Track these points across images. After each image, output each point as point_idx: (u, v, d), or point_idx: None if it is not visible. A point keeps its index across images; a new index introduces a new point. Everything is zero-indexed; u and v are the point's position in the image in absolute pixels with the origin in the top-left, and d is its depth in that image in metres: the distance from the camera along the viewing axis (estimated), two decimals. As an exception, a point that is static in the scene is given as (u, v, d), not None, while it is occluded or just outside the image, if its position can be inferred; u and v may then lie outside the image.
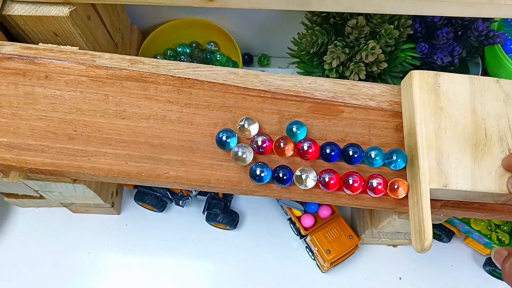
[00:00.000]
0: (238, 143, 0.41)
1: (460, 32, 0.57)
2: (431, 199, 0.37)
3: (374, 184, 0.39)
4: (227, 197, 0.64)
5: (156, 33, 0.71)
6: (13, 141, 0.41)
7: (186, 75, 0.44)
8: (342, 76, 0.55)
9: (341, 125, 0.43)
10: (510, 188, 0.37)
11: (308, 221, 0.61)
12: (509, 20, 0.63)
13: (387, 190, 0.40)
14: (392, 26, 0.53)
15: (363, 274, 0.63)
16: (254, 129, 0.41)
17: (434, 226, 0.59)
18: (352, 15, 0.52)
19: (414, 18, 0.56)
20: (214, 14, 0.70)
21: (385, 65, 0.54)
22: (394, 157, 0.39)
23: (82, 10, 0.49)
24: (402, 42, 0.55)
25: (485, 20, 0.55)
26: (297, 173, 0.40)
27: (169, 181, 0.41)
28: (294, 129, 0.41)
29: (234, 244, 0.65)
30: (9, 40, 0.49)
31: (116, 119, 0.42)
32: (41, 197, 0.58)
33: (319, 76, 0.57)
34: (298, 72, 0.60)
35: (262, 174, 0.39)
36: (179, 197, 0.63)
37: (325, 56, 0.54)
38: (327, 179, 0.39)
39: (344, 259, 0.61)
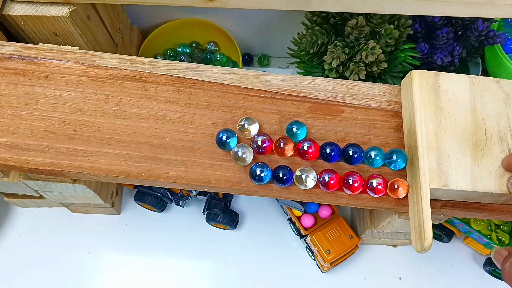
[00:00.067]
0: (238, 143, 0.41)
1: (460, 32, 0.57)
2: (431, 199, 0.37)
3: (374, 184, 0.39)
4: (227, 197, 0.64)
5: (156, 33, 0.71)
6: (13, 141, 0.41)
7: (186, 75, 0.44)
8: (342, 76, 0.55)
9: (341, 125, 0.43)
10: (510, 188, 0.37)
11: (308, 221, 0.61)
12: (509, 20, 0.63)
13: (387, 190, 0.40)
14: (392, 26, 0.53)
15: (363, 274, 0.63)
16: (254, 129, 0.41)
17: (434, 226, 0.59)
18: (352, 15, 0.52)
19: (414, 18, 0.56)
20: (214, 14, 0.70)
21: (385, 65, 0.54)
22: (394, 157, 0.39)
23: (82, 10, 0.49)
24: (402, 42, 0.55)
25: (485, 20, 0.55)
26: (297, 173, 0.40)
27: (169, 181, 0.41)
28: (294, 129, 0.41)
29: (234, 244, 0.65)
30: (9, 40, 0.49)
31: (116, 119, 0.42)
32: (41, 197, 0.58)
33: (319, 76, 0.57)
34: (298, 72, 0.60)
35: (262, 174, 0.39)
36: (179, 197, 0.63)
37: (325, 56, 0.54)
38: (327, 179, 0.39)
39: (344, 259, 0.61)
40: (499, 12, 0.44)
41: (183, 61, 0.73)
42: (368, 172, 0.41)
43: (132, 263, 0.63)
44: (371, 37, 0.54)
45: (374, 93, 0.45)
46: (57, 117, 0.42)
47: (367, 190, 0.40)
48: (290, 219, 0.65)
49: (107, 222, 0.66)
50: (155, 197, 0.64)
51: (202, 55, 0.74)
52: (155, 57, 0.73)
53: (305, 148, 0.40)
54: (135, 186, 0.65)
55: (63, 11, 0.47)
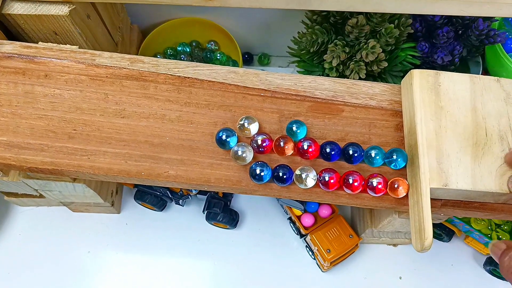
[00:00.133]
0: (238, 142, 0.41)
1: (460, 31, 0.57)
2: (431, 199, 0.37)
3: (374, 184, 0.39)
4: (227, 196, 0.64)
5: (156, 32, 0.71)
6: (12, 140, 0.41)
7: (185, 74, 0.44)
8: (342, 75, 0.55)
9: (341, 124, 0.43)
10: (511, 187, 0.37)
11: (308, 220, 0.61)
12: (510, 19, 0.62)
13: (387, 190, 0.40)
14: (392, 25, 0.52)
15: (363, 274, 0.63)
16: (254, 128, 0.41)
17: (434, 225, 0.59)
18: (352, 14, 0.52)
19: (414, 17, 0.56)
20: (214, 13, 0.69)
21: (385, 64, 0.54)
22: (394, 156, 0.39)
23: (81, 9, 0.49)
24: (402, 41, 0.55)
25: (485, 19, 0.55)
26: (297, 172, 0.40)
27: (169, 180, 0.41)
28: (294, 128, 0.41)
29: (234, 243, 0.64)
30: (9, 39, 0.49)
31: (116, 118, 0.42)
32: (41, 196, 0.58)
33: (319, 75, 0.57)
34: (298, 71, 0.60)
35: (262, 173, 0.39)
36: (179, 196, 0.63)
37: (325, 55, 0.54)
38: (327, 178, 0.39)
39: (344, 259, 0.61)
40: (500, 11, 0.44)
41: (183, 60, 0.72)
42: (368, 171, 0.41)
43: (132, 262, 0.63)
44: (371, 36, 0.54)
45: (374, 92, 0.45)
46: (56, 116, 0.42)
47: (367, 189, 0.40)
48: (290, 218, 0.65)
49: (107, 221, 0.66)
50: (155, 196, 0.64)
51: (202, 54, 0.74)
52: (155, 56, 0.73)
53: (305, 147, 0.40)
54: (135, 185, 0.65)
55: (62, 10, 0.46)
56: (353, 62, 0.53)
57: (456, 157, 0.38)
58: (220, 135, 0.40)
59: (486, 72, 0.62)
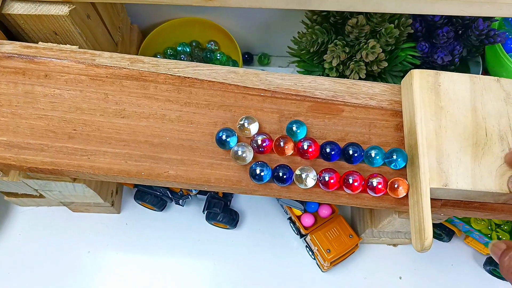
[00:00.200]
0: (238, 142, 0.41)
1: (460, 31, 0.57)
2: (431, 199, 0.37)
3: (374, 183, 0.39)
4: (227, 196, 0.64)
5: (156, 32, 0.71)
6: (12, 140, 0.41)
7: (185, 74, 0.44)
8: (342, 75, 0.55)
9: (341, 124, 0.43)
10: (511, 187, 0.37)
11: (308, 220, 0.61)
12: (510, 19, 0.62)
13: (387, 189, 0.40)
14: (392, 25, 0.52)
15: (363, 274, 0.63)
16: (254, 128, 0.41)
17: (434, 225, 0.59)
18: (352, 14, 0.52)
19: (414, 17, 0.56)
20: (214, 13, 0.69)
21: (385, 64, 0.54)
22: (394, 156, 0.39)
23: (81, 9, 0.49)
24: (402, 41, 0.55)
25: (485, 19, 0.55)
26: (297, 172, 0.40)
27: (169, 180, 0.41)
28: (294, 128, 0.41)
29: (234, 243, 0.64)
30: (9, 39, 0.49)
31: (116, 118, 0.42)
32: (41, 196, 0.58)
33: (319, 75, 0.57)
34: (298, 71, 0.60)
35: (262, 173, 0.39)
36: (179, 196, 0.63)
37: (325, 55, 0.54)
38: (327, 178, 0.39)
39: (344, 259, 0.61)
40: (500, 11, 0.44)
41: (183, 60, 0.72)
42: (368, 171, 0.41)
43: (132, 262, 0.63)
44: (372, 36, 0.54)
45: (374, 92, 0.45)
46: (56, 116, 0.42)
47: (367, 189, 0.40)
48: (290, 218, 0.65)
49: (107, 221, 0.66)
50: (155, 196, 0.64)
51: (202, 54, 0.74)
52: (155, 56, 0.73)
53: (305, 147, 0.40)
54: (135, 185, 0.65)
55: (62, 10, 0.46)
56: (353, 62, 0.53)
57: (456, 157, 0.38)
58: (220, 135, 0.40)
59: (486, 72, 0.62)
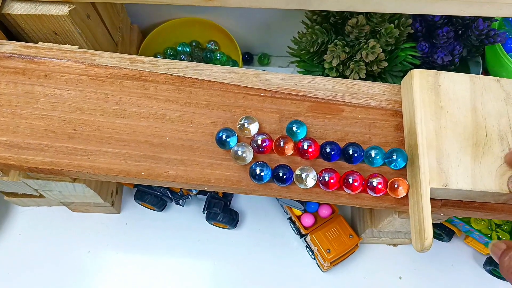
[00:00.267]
0: (238, 142, 0.41)
1: (460, 31, 0.57)
2: (431, 198, 0.37)
3: (374, 184, 0.39)
4: (227, 196, 0.64)
5: (156, 32, 0.71)
6: (12, 140, 0.41)
7: (185, 74, 0.44)
8: (342, 75, 0.55)
9: (341, 124, 0.43)
10: (511, 187, 0.37)
11: (308, 220, 0.60)
12: (510, 19, 0.62)
13: (387, 190, 0.40)
14: (392, 25, 0.52)
15: (363, 274, 0.63)
16: (254, 128, 0.41)
17: (434, 225, 0.59)
18: (352, 14, 0.52)
19: (414, 17, 0.56)
20: (214, 13, 0.69)
21: (385, 64, 0.54)
22: (394, 156, 0.39)
23: (81, 9, 0.49)
24: (402, 41, 0.55)
25: (485, 19, 0.55)
26: (297, 172, 0.40)
27: (169, 180, 0.41)
28: (294, 128, 0.41)
29: (234, 243, 0.64)
30: (9, 39, 0.49)
31: (116, 118, 0.42)
32: (41, 196, 0.58)
33: (319, 75, 0.57)
34: (298, 71, 0.60)
35: (262, 173, 0.39)
36: (179, 196, 0.63)
37: (325, 55, 0.54)
38: (327, 178, 0.39)
39: (344, 259, 0.61)
40: (500, 11, 0.44)
41: (183, 60, 0.72)
42: (368, 171, 0.41)
43: (132, 262, 0.63)
44: (372, 36, 0.54)
45: (374, 92, 0.45)
46: (56, 116, 0.42)
47: (367, 189, 0.40)
48: (290, 218, 0.65)
49: (107, 221, 0.66)
50: (155, 196, 0.64)
51: (202, 54, 0.74)
52: (155, 56, 0.73)
53: (305, 147, 0.40)
54: (135, 185, 0.65)
55: (62, 10, 0.46)
56: (353, 62, 0.53)
57: (456, 157, 0.38)
58: (220, 135, 0.40)
59: (486, 72, 0.62)
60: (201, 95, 0.43)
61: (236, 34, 0.71)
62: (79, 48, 0.45)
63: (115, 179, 0.42)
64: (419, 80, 0.41)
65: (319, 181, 0.40)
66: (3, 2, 0.46)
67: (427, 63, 0.58)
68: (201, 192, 0.63)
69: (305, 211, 0.61)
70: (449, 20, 0.56)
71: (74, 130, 0.42)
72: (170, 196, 0.63)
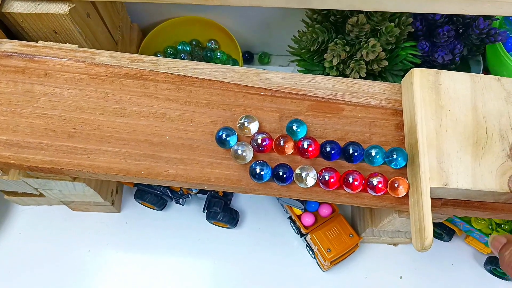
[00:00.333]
0: (238, 141, 0.41)
1: (461, 30, 0.57)
2: (431, 198, 0.37)
3: (375, 183, 0.39)
4: (227, 196, 0.64)
5: (156, 31, 0.71)
6: (12, 139, 0.41)
7: (185, 73, 0.44)
8: (342, 74, 0.55)
9: (342, 123, 0.43)
10: (511, 186, 0.37)
11: (308, 219, 0.60)
12: (510, 18, 0.62)
13: (388, 189, 0.39)
14: (392, 24, 0.52)
15: (364, 273, 0.63)
16: (254, 127, 0.41)
17: (434, 225, 0.59)
18: (352, 13, 0.52)
19: (415, 16, 0.56)
20: (214, 12, 0.69)
21: (385, 63, 0.54)
22: (395, 156, 0.39)
23: (81, 8, 0.49)
24: (402, 40, 0.55)
25: (486, 18, 0.55)
26: (297, 171, 0.40)
27: (169, 179, 0.41)
28: (294, 127, 0.41)
29: (234, 242, 0.64)
30: (9, 38, 0.49)
31: (116, 117, 0.42)
32: (41, 195, 0.58)
33: (319, 74, 0.57)
34: (298, 70, 0.60)
35: (262, 173, 0.39)
36: (179, 195, 0.63)
37: (326, 54, 0.54)
38: (327, 178, 0.39)
39: (345, 258, 0.61)
40: (501, 10, 0.44)
41: (183, 59, 0.72)
42: (368, 171, 0.41)
43: (132, 261, 0.63)
44: (372, 35, 0.54)
45: (375, 91, 0.45)
46: (56, 115, 0.42)
47: (368, 188, 0.40)
48: (290, 218, 0.65)
49: (107, 220, 0.66)
50: (155, 195, 0.64)
51: (202, 53, 0.74)
52: (155, 55, 0.73)
53: (305, 146, 0.40)
54: (135, 184, 0.65)
55: (62, 8, 0.46)
56: (353, 61, 0.53)
57: (457, 156, 0.38)
58: (220, 134, 0.40)
59: (486, 71, 0.62)
60: (201, 94, 0.43)
61: (236, 33, 0.71)
62: (79, 47, 0.45)
63: (115, 178, 0.42)
64: (420, 79, 0.41)
65: (319, 180, 0.40)
66: (3, 0, 0.46)
67: (428, 62, 0.57)
68: (201, 191, 0.63)
69: (305, 210, 0.61)
70: (450, 19, 0.56)
71: (74, 129, 0.42)
72: (170, 195, 0.63)
